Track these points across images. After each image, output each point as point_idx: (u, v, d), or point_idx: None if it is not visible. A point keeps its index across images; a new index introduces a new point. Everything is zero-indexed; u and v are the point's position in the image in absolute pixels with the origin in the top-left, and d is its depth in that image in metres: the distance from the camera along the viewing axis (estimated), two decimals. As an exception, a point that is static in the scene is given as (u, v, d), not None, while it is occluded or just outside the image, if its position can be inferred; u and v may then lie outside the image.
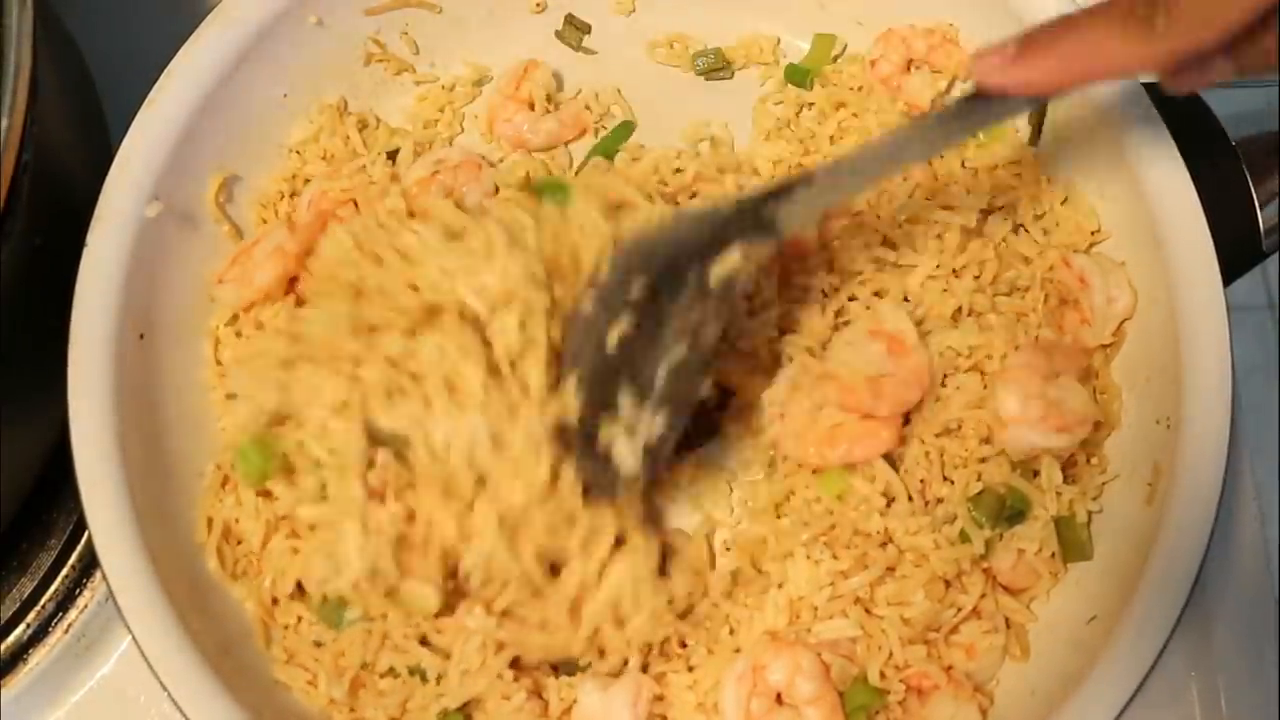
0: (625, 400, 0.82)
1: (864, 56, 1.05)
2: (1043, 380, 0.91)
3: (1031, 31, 0.72)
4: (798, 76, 1.05)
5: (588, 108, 1.06)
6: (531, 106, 1.04)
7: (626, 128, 1.05)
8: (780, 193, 0.82)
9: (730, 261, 0.82)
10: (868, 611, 0.89)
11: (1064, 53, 0.71)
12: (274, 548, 0.89)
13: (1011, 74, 0.73)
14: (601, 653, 0.88)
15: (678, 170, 1.00)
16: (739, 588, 0.91)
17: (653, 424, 0.82)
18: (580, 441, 0.83)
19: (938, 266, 0.95)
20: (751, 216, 0.82)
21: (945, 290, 0.95)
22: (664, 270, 0.83)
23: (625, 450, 0.82)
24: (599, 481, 0.83)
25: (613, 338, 0.82)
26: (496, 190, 1.00)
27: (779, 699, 0.87)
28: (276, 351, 0.85)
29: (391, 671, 0.87)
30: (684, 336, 0.82)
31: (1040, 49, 0.72)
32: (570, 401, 0.82)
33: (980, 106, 0.78)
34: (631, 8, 1.08)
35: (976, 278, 0.95)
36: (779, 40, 1.07)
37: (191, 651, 0.81)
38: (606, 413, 0.82)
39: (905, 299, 0.95)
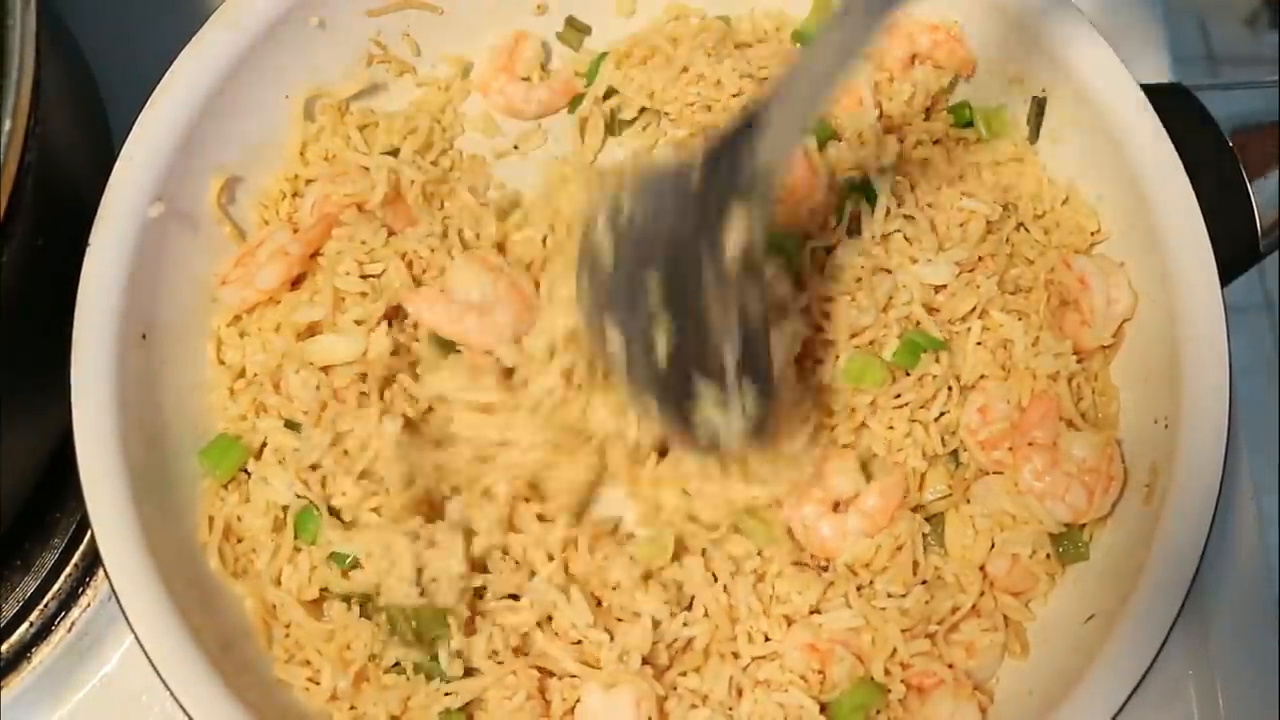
0: (706, 394, 0.81)
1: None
2: (1052, 448, 0.92)
3: None
4: (805, 38, 1.05)
5: (577, 74, 1.06)
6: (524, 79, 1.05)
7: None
8: (748, 125, 0.75)
9: (738, 230, 0.76)
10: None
11: None
12: (282, 547, 0.89)
13: None
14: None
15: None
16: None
17: (742, 394, 0.80)
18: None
19: (958, 263, 0.95)
20: (728, 161, 0.75)
21: (968, 285, 0.95)
22: (670, 259, 0.78)
23: (725, 423, 0.82)
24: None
25: (662, 349, 0.80)
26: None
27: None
28: None
29: (396, 667, 0.87)
30: (730, 319, 0.78)
31: None
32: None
33: None
34: (632, 9, 1.08)
35: (989, 277, 0.96)
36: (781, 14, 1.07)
37: (193, 650, 0.81)
38: (690, 402, 0.81)
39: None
